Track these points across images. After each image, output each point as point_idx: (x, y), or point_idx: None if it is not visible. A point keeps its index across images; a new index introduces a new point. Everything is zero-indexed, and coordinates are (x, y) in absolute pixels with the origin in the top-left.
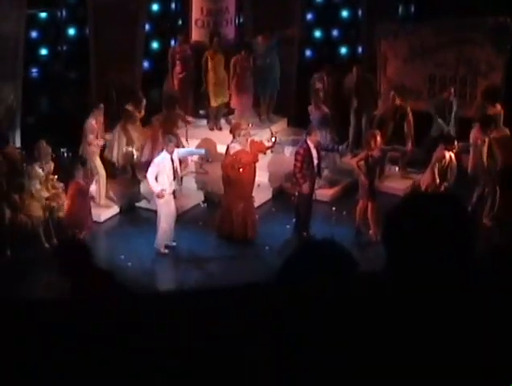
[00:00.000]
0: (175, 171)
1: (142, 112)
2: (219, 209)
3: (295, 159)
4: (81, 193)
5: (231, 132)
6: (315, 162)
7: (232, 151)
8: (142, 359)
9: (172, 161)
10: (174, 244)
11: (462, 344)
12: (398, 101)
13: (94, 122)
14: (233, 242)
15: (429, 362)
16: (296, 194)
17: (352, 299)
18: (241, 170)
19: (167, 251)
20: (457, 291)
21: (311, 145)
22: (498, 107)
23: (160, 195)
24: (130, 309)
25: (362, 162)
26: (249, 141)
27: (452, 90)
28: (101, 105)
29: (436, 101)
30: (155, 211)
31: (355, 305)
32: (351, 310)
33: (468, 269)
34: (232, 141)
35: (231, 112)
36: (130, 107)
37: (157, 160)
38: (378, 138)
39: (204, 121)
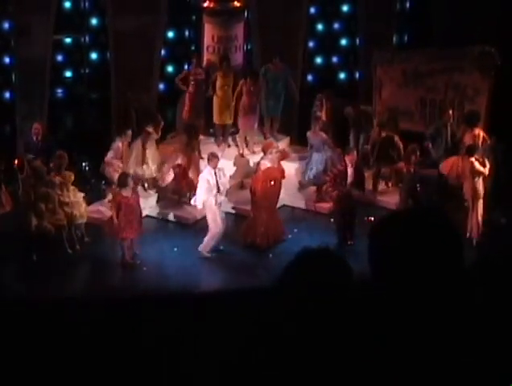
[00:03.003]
0: (218, 185)
1: (159, 134)
2: (245, 220)
3: (331, 172)
4: (123, 205)
5: (263, 150)
6: (349, 179)
7: (262, 167)
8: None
9: (216, 175)
10: (221, 248)
11: (456, 348)
12: (383, 134)
13: (120, 144)
14: (239, 249)
15: (425, 367)
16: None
17: (346, 304)
18: (271, 183)
19: (209, 255)
20: (447, 298)
21: (349, 165)
22: (477, 131)
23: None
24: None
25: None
26: (278, 158)
27: (450, 112)
28: (129, 132)
29: (437, 124)
30: (166, 220)
31: (349, 310)
32: (346, 314)
33: (457, 278)
34: (262, 158)
35: (238, 131)
36: (150, 129)
37: (205, 175)
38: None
39: (213, 139)
